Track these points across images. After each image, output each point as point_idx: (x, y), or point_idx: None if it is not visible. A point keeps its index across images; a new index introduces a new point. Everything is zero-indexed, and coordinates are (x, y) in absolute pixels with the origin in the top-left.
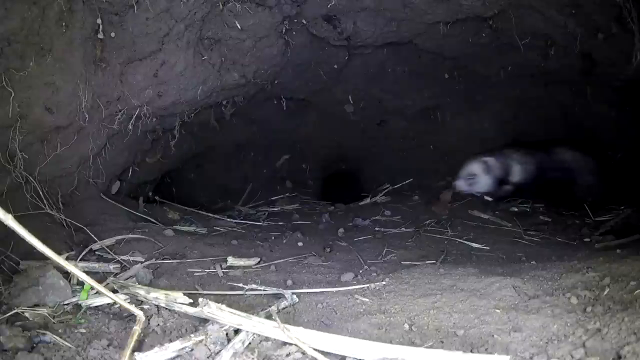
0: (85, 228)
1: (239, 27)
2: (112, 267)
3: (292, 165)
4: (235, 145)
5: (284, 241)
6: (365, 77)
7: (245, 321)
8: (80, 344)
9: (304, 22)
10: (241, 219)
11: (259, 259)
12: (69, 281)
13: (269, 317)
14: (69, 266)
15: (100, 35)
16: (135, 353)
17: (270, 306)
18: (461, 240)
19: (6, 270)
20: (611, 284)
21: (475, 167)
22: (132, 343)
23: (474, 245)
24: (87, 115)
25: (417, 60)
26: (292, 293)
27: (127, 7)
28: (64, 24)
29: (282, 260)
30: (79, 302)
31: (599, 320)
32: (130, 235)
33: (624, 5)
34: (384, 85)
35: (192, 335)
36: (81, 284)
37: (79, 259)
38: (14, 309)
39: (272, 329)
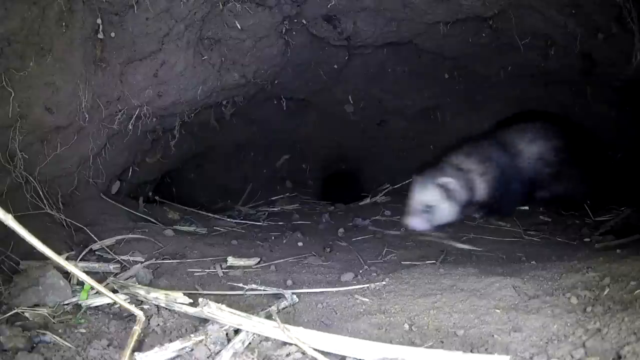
0: (85, 228)
1: (239, 27)
2: (112, 267)
3: (292, 165)
4: (235, 145)
5: (284, 241)
6: (365, 77)
7: (245, 321)
8: (80, 344)
9: (304, 22)
10: (241, 219)
11: (259, 259)
12: (69, 281)
13: (269, 317)
14: (69, 266)
15: (100, 35)
16: (135, 353)
17: (270, 306)
18: (450, 243)
19: (6, 270)
20: (611, 284)
21: (430, 195)
22: (132, 343)
23: (464, 246)
24: (87, 115)
25: (417, 60)
26: (292, 293)
27: (127, 7)
28: (64, 24)
29: (282, 260)
30: (79, 302)
31: (599, 320)
32: (130, 235)
33: (624, 5)
34: (384, 85)
35: (192, 335)
36: (81, 284)
37: (79, 259)
38: (14, 309)
39: (272, 329)
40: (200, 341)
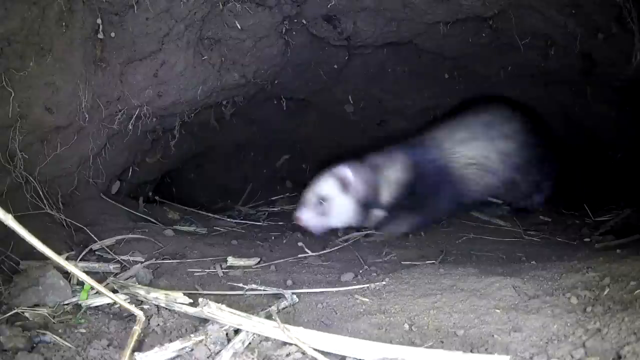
0: (85, 228)
1: (239, 27)
2: (112, 267)
3: (292, 165)
4: (235, 145)
5: (284, 241)
6: (365, 77)
7: (245, 321)
8: (80, 344)
9: (304, 22)
10: (241, 219)
11: (259, 259)
12: (69, 281)
13: (269, 317)
14: (69, 266)
15: (100, 35)
16: (135, 353)
17: (270, 306)
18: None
19: (6, 270)
20: (611, 284)
21: (325, 186)
22: (132, 343)
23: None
24: (87, 115)
25: (417, 60)
26: (292, 293)
27: (127, 7)
28: (64, 24)
29: (282, 260)
30: (79, 302)
31: (599, 320)
32: (130, 235)
33: (624, 5)
34: (384, 85)
35: (192, 335)
36: (81, 284)
37: (79, 259)
38: (14, 309)
39: (272, 329)
40: (200, 341)
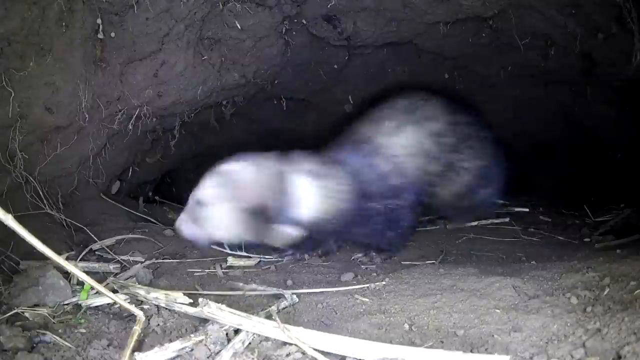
0: (85, 228)
1: (239, 27)
2: (112, 267)
3: None
4: (236, 145)
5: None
6: (365, 77)
7: (245, 321)
8: (80, 344)
9: (304, 22)
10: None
11: (259, 259)
12: (69, 281)
13: (269, 317)
14: (69, 266)
15: (100, 35)
16: (135, 353)
17: (270, 306)
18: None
19: (6, 270)
20: (611, 284)
21: (207, 186)
22: (132, 343)
23: None
24: (87, 115)
25: (417, 60)
26: (292, 293)
27: (127, 7)
28: (64, 24)
29: (282, 261)
30: (79, 302)
31: (599, 320)
32: (130, 235)
33: (624, 5)
34: (384, 85)
35: (192, 335)
36: (81, 284)
37: (79, 259)
38: (14, 309)
39: (272, 329)
40: (200, 341)
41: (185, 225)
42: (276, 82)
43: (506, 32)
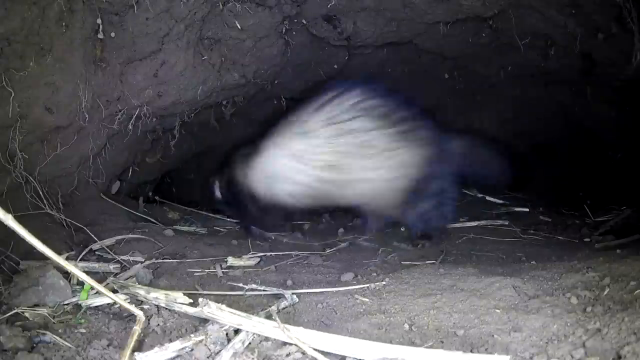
0: (85, 228)
1: (239, 27)
2: (112, 267)
3: None
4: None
5: (284, 241)
6: (365, 77)
7: (245, 321)
8: (80, 344)
9: (304, 22)
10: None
11: (259, 259)
12: (69, 281)
13: (269, 317)
14: (69, 266)
15: (100, 35)
16: (135, 353)
17: (270, 306)
18: None
19: (6, 270)
20: (611, 284)
21: None
22: (132, 343)
23: None
24: (87, 115)
25: (417, 60)
26: (292, 293)
27: (127, 7)
28: (64, 24)
29: (282, 261)
30: (79, 302)
31: (599, 320)
32: (130, 235)
33: (624, 5)
34: (384, 85)
35: (192, 335)
36: (81, 284)
37: (79, 259)
38: (14, 309)
39: (272, 329)
40: (200, 341)
41: None
42: (276, 82)
43: (506, 32)
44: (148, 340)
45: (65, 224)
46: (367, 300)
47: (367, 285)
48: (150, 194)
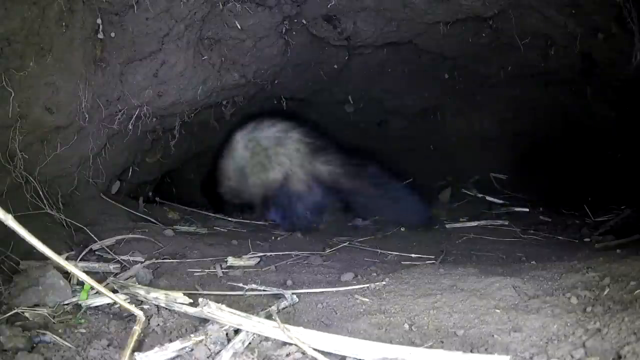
0: (85, 228)
1: (239, 27)
2: (112, 267)
3: None
4: None
5: (282, 240)
6: (365, 77)
7: (245, 321)
8: (80, 344)
9: (304, 22)
10: (241, 219)
11: (259, 259)
12: (69, 281)
13: (269, 317)
14: (69, 266)
15: (100, 35)
16: (135, 353)
17: (270, 306)
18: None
19: (6, 270)
20: (611, 284)
21: None
22: (132, 343)
23: None
24: (87, 115)
25: (417, 60)
26: (292, 293)
27: (127, 7)
28: (64, 24)
29: (282, 261)
30: (79, 302)
31: (599, 320)
32: (130, 235)
33: (624, 5)
34: (384, 85)
35: (192, 335)
36: (81, 284)
37: (79, 259)
38: (14, 309)
39: (272, 329)
40: (200, 341)
41: None
42: (276, 82)
43: (506, 32)
44: (148, 340)
45: (65, 224)
46: (367, 300)
47: (367, 285)
48: (150, 194)
